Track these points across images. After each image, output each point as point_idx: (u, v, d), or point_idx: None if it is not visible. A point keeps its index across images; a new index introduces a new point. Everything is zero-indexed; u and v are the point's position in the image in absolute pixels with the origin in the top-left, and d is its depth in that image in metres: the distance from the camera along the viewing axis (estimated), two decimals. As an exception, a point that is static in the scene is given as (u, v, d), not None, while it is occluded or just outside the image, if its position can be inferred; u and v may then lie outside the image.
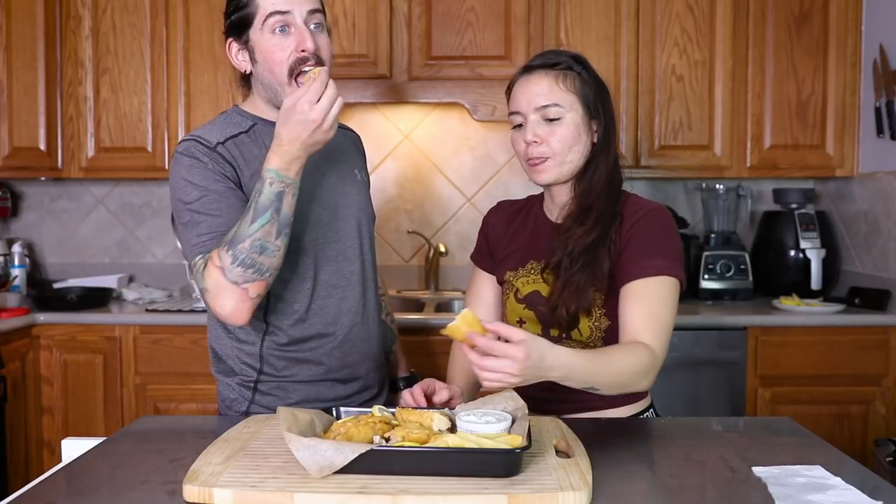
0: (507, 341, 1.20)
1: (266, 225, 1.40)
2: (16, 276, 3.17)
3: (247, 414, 1.59)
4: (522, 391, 1.35)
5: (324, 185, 1.62)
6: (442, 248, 3.30)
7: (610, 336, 1.52)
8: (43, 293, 3.11)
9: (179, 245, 1.63)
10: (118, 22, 3.09)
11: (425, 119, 3.40)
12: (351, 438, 1.15)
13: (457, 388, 1.48)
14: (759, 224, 3.26)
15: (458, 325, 1.21)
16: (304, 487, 1.05)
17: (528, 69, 1.58)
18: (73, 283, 3.21)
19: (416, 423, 1.24)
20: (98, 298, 3.03)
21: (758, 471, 1.18)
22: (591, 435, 1.30)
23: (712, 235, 3.17)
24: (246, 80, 1.62)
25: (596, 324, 1.52)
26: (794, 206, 3.14)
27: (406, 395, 1.43)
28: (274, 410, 1.48)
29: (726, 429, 1.51)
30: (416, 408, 1.33)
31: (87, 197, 3.48)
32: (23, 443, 2.79)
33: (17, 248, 3.21)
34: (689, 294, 3.08)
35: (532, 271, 1.60)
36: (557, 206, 1.62)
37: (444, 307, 3.12)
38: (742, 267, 3.09)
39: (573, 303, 1.49)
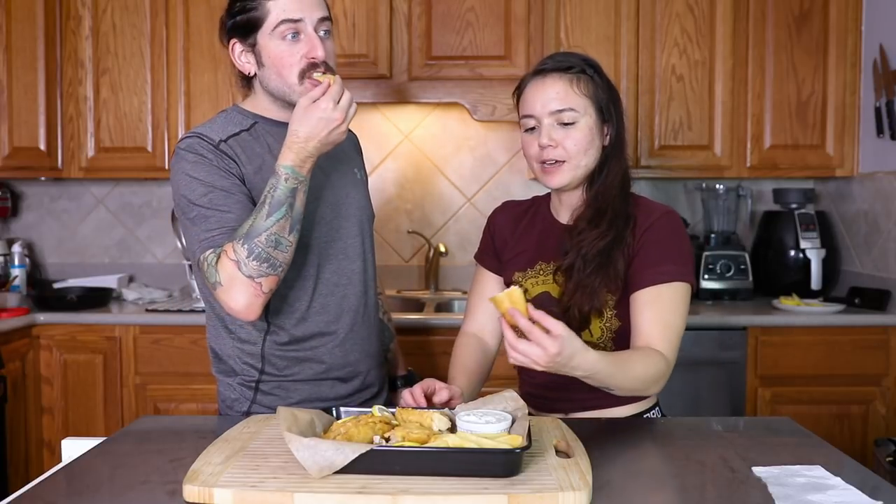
0: (546, 331, 1.22)
1: (281, 220, 1.41)
2: (16, 276, 3.17)
3: (248, 414, 1.59)
4: (524, 390, 1.36)
5: (327, 184, 1.63)
6: (442, 248, 3.30)
7: (620, 337, 1.53)
8: (43, 293, 3.11)
9: (179, 244, 1.63)
10: (118, 22, 3.09)
11: (425, 119, 3.40)
12: (351, 438, 1.16)
13: (457, 388, 1.48)
14: (759, 224, 3.26)
15: (504, 298, 1.25)
16: (304, 487, 1.05)
17: (541, 72, 1.56)
18: (73, 283, 3.21)
19: (416, 423, 1.24)
20: (98, 298, 3.03)
21: (758, 471, 1.18)
22: (591, 435, 1.30)
23: (712, 235, 3.17)
24: (246, 79, 1.62)
25: (607, 325, 1.53)
26: (794, 206, 3.14)
27: (406, 395, 1.43)
28: (275, 410, 1.48)
29: (726, 429, 1.51)
30: (416, 408, 1.33)
31: (87, 197, 3.48)
32: (23, 443, 2.79)
33: (17, 248, 3.21)
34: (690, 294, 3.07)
35: (542, 272, 1.60)
36: (566, 208, 1.62)
37: (444, 307, 3.11)
38: (742, 267, 3.09)
39: (586, 304, 1.49)
